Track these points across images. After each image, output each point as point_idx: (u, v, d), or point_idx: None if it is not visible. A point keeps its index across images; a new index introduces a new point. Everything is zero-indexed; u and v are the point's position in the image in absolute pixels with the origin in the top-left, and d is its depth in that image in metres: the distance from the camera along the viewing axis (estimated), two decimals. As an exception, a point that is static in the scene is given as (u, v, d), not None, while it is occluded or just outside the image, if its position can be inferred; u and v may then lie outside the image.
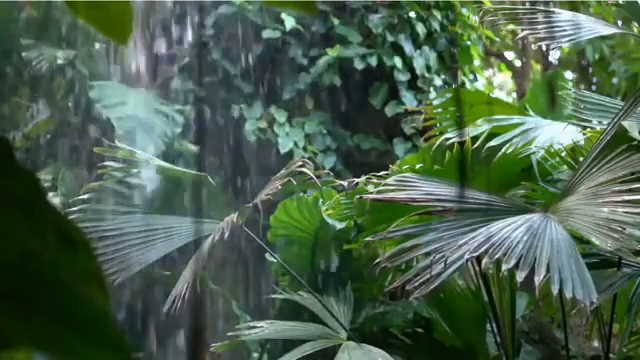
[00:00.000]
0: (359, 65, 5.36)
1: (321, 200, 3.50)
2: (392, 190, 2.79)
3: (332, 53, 5.34)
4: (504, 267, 2.26)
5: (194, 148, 4.96)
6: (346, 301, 3.43)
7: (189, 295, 2.93)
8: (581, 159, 2.84)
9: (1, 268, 0.58)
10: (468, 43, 6.09)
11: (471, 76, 6.24)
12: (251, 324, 3.37)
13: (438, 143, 3.20)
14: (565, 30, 3.05)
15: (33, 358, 0.62)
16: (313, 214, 3.52)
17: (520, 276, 2.21)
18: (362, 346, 3.04)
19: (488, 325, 3.34)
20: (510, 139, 3.15)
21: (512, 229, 2.39)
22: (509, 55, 10.86)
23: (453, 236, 2.46)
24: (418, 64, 5.53)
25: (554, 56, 9.28)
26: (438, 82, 5.67)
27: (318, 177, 3.25)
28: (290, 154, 5.10)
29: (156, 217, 3.34)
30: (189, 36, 5.32)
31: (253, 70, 5.37)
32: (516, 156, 3.10)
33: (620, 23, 6.26)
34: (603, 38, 7.23)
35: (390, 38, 5.49)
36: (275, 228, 3.61)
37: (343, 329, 3.23)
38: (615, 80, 7.85)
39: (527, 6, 3.75)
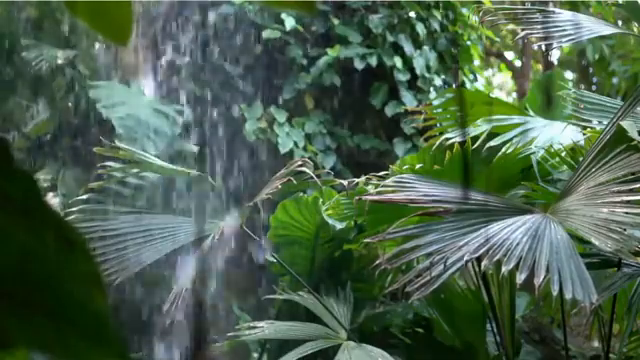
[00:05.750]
0: (359, 65, 5.36)
1: (321, 200, 3.50)
2: (391, 191, 2.79)
3: (332, 53, 5.34)
4: (504, 268, 2.26)
5: (194, 148, 4.96)
6: (346, 301, 3.43)
7: (189, 295, 2.93)
8: (581, 159, 2.83)
9: (1, 269, 0.58)
10: (468, 43, 6.09)
11: (471, 76, 6.24)
12: (251, 324, 3.37)
13: (438, 143, 3.20)
14: (565, 30, 3.05)
15: (32, 358, 0.63)
16: (313, 214, 3.51)
17: (520, 278, 2.21)
18: (362, 346, 3.05)
19: (488, 325, 3.34)
20: (510, 139, 3.15)
21: (512, 230, 2.39)
22: (509, 55, 10.87)
23: (453, 237, 2.45)
24: (418, 64, 5.53)
25: (554, 56, 9.28)
26: (438, 82, 5.67)
27: (318, 177, 3.25)
28: (290, 154, 5.10)
29: (156, 217, 3.34)
30: (189, 36, 5.32)
31: (253, 70, 5.37)
32: (516, 156, 3.10)
33: (620, 23, 6.26)
34: (603, 38, 7.23)
35: (390, 38, 5.49)
36: (275, 228, 3.61)
37: (343, 329, 3.23)
38: (615, 80, 7.84)
39: (527, 6, 3.75)
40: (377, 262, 2.65)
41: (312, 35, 5.47)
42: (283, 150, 5.14)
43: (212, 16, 5.33)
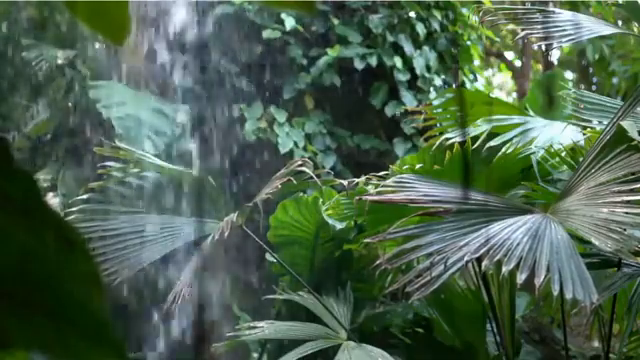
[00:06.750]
0: (359, 65, 5.36)
1: (321, 200, 3.50)
2: (391, 191, 2.79)
3: (332, 53, 5.34)
4: (504, 269, 2.26)
5: (194, 148, 4.96)
6: (346, 301, 3.43)
7: (189, 295, 2.93)
8: (581, 159, 2.84)
9: (1, 269, 0.58)
10: (468, 43, 6.09)
11: (471, 76, 6.24)
12: (251, 324, 3.37)
13: (438, 143, 3.20)
14: (565, 30, 3.05)
15: (32, 358, 0.63)
16: (313, 214, 3.52)
17: (520, 278, 2.21)
18: (362, 346, 3.05)
19: (488, 325, 3.34)
20: (510, 139, 3.16)
21: (512, 230, 2.38)
22: (509, 55, 10.87)
23: (454, 237, 2.45)
24: (418, 64, 5.53)
25: (554, 56, 9.29)
26: (438, 82, 5.67)
27: (318, 177, 3.25)
28: (290, 154, 5.10)
29: (156, 217, 3.34)
30: (189, 36, 5.32)
31: (253, 70, 5.37)
32: (516, 156, 3.10)
33: (620, 23, 6.26)
34: (603, 38, 7.23)
35: (390, 38, 5.49)
36: (275, 228, 3.61)
37: (343, 329, 3.23)
38: (615, 80, 7.85)
39: (527, 6, 3.75)
40: (377, 262, 2.65)
41: (312, 35, 5.47)
42: (283, 150, 5.13)
43: (212, 16, 5.32)
